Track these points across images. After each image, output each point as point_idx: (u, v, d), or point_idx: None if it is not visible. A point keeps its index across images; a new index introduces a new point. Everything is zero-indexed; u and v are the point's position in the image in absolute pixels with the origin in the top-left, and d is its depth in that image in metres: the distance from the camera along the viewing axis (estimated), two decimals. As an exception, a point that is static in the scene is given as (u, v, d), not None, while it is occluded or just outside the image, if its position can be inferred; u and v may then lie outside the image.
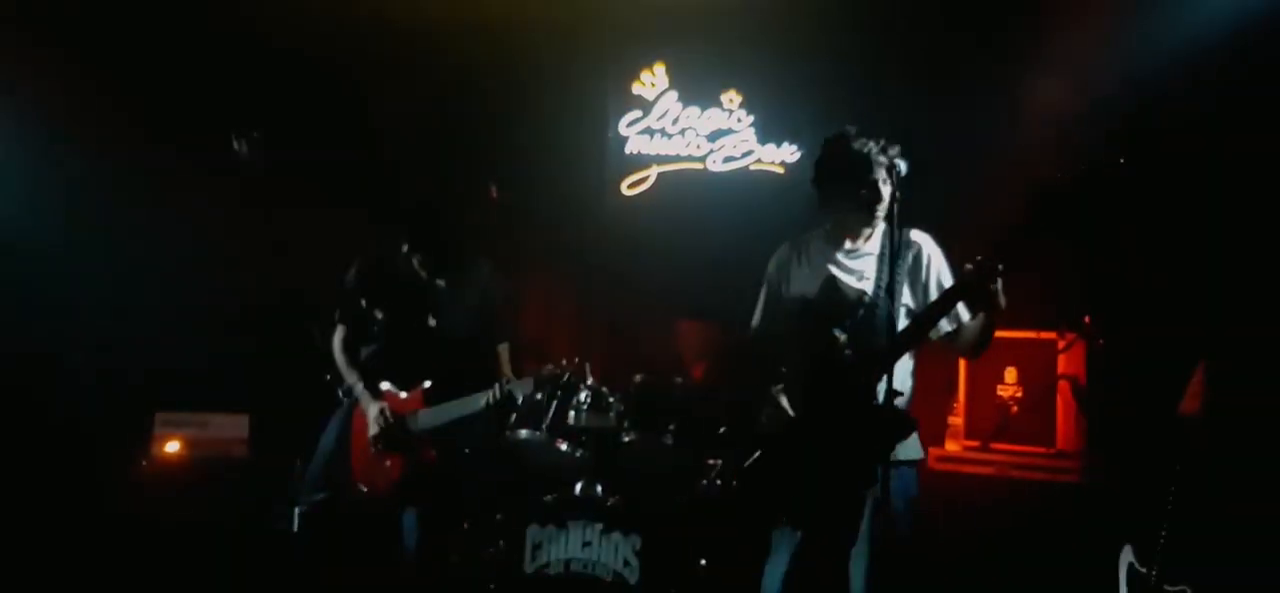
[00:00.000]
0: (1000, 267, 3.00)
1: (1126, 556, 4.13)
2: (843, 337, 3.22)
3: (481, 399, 4.25)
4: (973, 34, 5.81)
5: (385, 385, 4.38)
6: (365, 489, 4.32)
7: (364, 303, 4.37)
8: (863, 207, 3.31)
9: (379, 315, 4.33)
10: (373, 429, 4.30)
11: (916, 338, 3.27)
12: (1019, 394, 5.18)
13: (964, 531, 4.80)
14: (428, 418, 4.32)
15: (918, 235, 3.39)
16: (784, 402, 3.34)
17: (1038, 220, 3.09)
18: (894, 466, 3.13)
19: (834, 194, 3.40)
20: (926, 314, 3.22)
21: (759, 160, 6.64)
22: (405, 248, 4.34)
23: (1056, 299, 5.10)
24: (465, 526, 5.66)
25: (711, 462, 4.94)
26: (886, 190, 3.30)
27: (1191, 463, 4.09)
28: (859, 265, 3.36)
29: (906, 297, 3.33)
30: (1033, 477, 5.00)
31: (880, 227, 3.39)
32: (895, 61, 6.04)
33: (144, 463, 5.58)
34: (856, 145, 3.33)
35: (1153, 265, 4.96)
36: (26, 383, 5.46)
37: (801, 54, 6.37)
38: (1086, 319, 4.99)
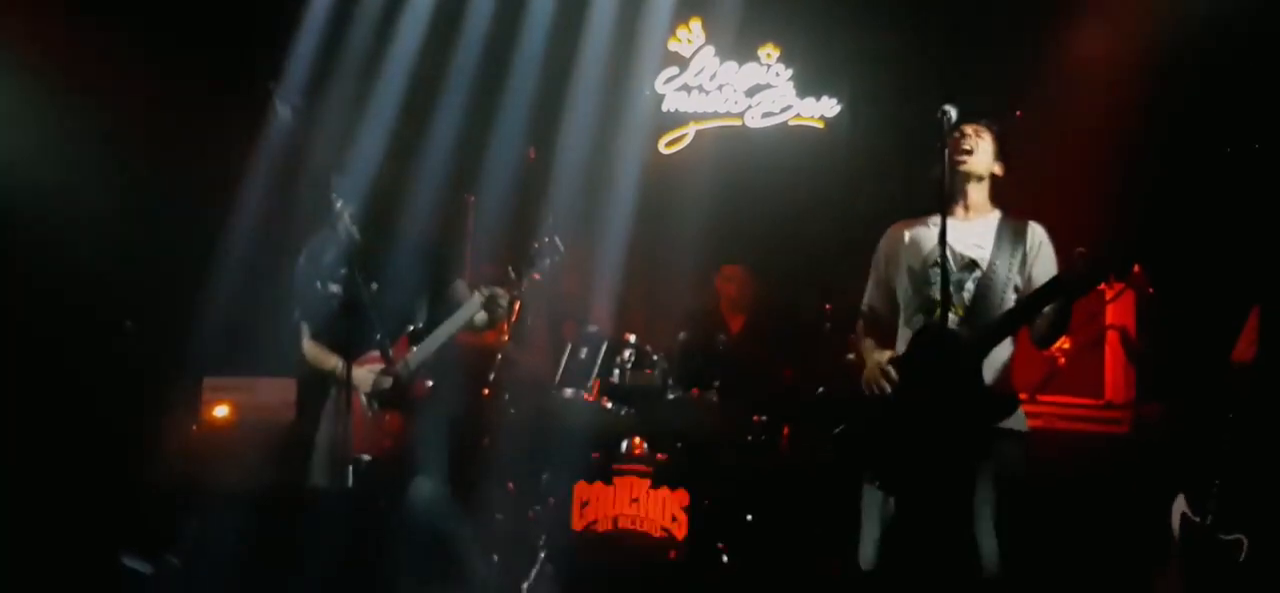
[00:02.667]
0: (1110, 271, 3.05)
1: (1180, 505, 4.10)
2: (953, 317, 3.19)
3: (466, 312, 4.14)
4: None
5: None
6: (369, 458, 4.22)
7: (319, 285, 4.25)
8: (940, 174, 3.25)
9: (335, 290, 4.16)
10: (365, 390, 4.14)
11: (1018, 324, 3.26)
12: (1066, 345, 5.11)
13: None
14: (418, 354, 4.21)
15: (1033, 225, 3.38)
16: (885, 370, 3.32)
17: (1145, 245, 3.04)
18: (997, 435, 3.19)
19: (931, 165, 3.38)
20: (1031, 300, 3.20)
21: (798, 115, 6.58)
22: (339, 204, 4.16)
23: (1104, 248, 5.02)
24: (511, 487, 5.74)
25: (758, 419, 4.95)
26: (974, 153, 3.30)
27: (1246, 410, 4.04)
28: (967, 236, 3.32)
29: (1014, 276, 3.30)
30: (1081, 428, 4.96)
31: (991, 208, 3.38)
32: (935, 9, 5.95)
33: (194, 428, 5.65)
34: (936, 119, 3.28)
35: (1203, 208, 4.87)
36: (77, 349, 5.53)
37: (839, 6, 6.29)
38: (1136, 268, 4.91)
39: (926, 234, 3.39)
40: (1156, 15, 5.06)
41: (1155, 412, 4.88)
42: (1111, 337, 5.01)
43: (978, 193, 3.37)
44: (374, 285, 4.16)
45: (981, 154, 3.33)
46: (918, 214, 3.48)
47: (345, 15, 5.97)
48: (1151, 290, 4.93)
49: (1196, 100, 5.05)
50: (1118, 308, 5.00)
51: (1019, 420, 3.31)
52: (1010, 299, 3.27)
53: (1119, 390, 5.02)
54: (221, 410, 5.74)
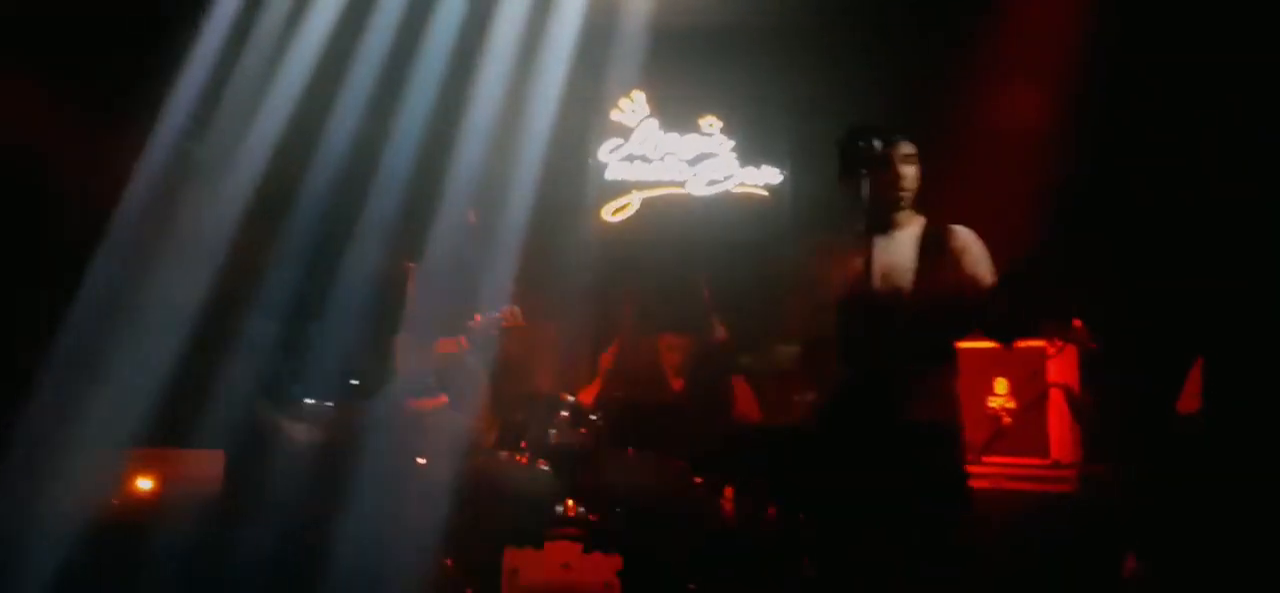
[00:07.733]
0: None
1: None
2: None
3: None
4: (951, 48, 5.80)
5: None
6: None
7: None
8: (878, 196, 3.21)
9: None
10: None
11: (943, 350, 3.18)
12: (1011, 405, 5.05)
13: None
14: None
15: (957, 228, 3.32)
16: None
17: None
18: (934, 482, 3.11)
19: (853, 189, 3.31)
20: (951, 327, 3.16)
21: (741, 184, 6.59)
22: None
23: (1045, 305, 4.98)
24: (449, 564, 5.53)
25: (698, 479, 4.81)
26: (906, 174, 3.25)
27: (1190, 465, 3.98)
28: (894, 256, 3.25)
29: (948, 285, 3.22)
30: (1028, 488, 4.86)
31: (914, 219, 3.34)
32: (872, 83, 6.02)
33: (115, 501, 5.42)
34: (859, 138, 3.26)
35: (1144, 263, 4.87)
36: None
37: (780, 78, 6.36)
38: (1077, 323, 4.87)
39: (852, 262, 3.31)
40: (1087, 67, 5.13)
41: (1102, 470, 4.79)
42: (1055, 394, 4.94)
43: (905, 210, 3.33)
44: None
45: (912, 179, 3.29)
46: (843, 232, 3.39)
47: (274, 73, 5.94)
48: (1093, 346, 4.89)
49: (1137, 147, 5.10)
50: (1060, 364, 4.94)
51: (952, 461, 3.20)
52: (942, 315, 3.19)
53: (1065, 449, 4.93)
54: (144, 483, 5.52)
